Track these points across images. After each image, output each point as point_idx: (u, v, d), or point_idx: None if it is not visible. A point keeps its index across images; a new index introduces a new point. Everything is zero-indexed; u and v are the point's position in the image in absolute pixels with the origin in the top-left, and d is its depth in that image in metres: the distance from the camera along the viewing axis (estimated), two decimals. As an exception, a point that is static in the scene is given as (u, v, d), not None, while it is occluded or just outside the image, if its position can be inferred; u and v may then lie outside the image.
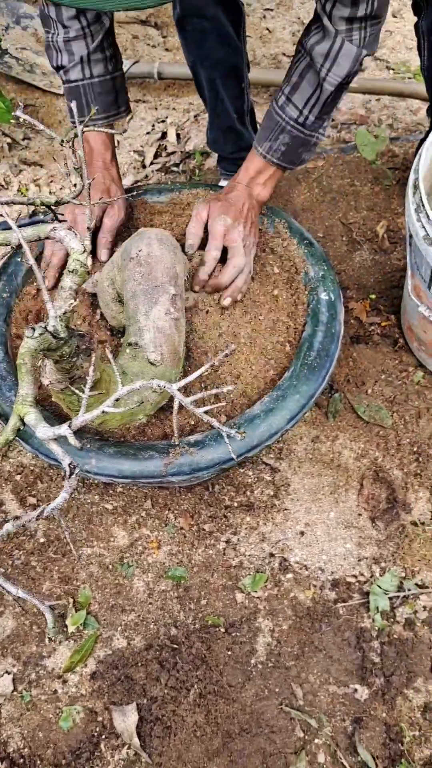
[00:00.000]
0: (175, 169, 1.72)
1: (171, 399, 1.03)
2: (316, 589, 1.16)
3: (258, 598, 1.15)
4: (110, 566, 1.19)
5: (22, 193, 1.64)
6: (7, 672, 1.11)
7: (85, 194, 0.80)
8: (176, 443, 0.92)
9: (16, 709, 1.07)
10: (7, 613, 1.16)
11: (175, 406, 0.74)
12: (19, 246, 0.79)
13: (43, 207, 0.88)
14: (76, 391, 0.92)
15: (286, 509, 1.24)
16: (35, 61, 1.93)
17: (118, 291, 1.10)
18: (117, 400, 0.70)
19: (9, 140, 1.77)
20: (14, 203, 0.86)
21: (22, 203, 0.88)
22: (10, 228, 0.78)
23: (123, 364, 1.03)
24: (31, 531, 1.22)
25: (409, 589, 1.14)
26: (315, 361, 1.14)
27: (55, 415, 1.10)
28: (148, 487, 1.24)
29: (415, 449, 1.29)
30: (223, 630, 1.12)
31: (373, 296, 1.48)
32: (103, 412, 0.69)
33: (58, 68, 1.21)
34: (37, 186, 1.64)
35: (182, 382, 0.73)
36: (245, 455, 1.09)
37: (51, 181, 1.65)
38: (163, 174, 1.72)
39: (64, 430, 0.70)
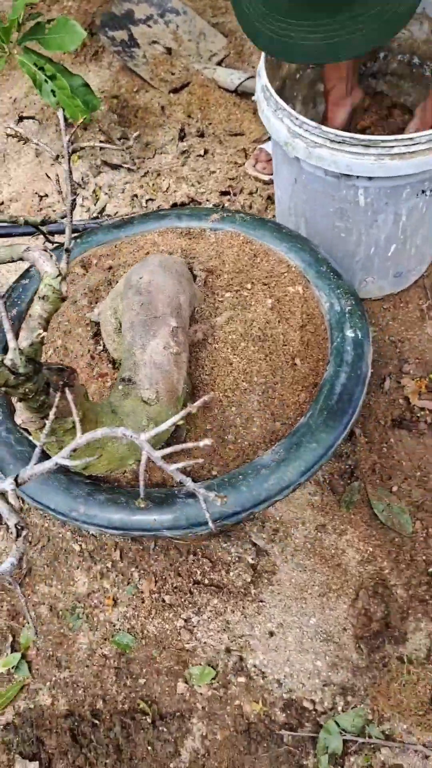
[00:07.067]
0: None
1: (169, 441, 0.94)
2: (266, 704, 1.01)
3: (200, 694, 1.02)
4: (60, 612, 1.11)
5: (96, 196, 1.59)
6: None
7: None
8: (142, 502, 0.82)
9: None
10: None
11: (143, 460, 0.62)
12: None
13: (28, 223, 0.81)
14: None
15: (261, 601, 1.09)
16: (159, 58, 1.87)
17: (120, 321, 1.01)
18: (74, 450, 0.60)
19: (103, 138, 1.72)
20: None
21: (3, 221, 0.82)
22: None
23: (113, 402, 0.93)
24: (-3, 552, 1.17)
25: (371, 736, 0.97)
26: (336, 406, 0.97)
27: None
28: (123, 538, 1.15)
29: (429, 570, 1.10)
30: (150, 720, 1.01)
31: (434, 377, 1.29)
32: (56, 464, 0.60)
33: None
34: (107, 194, 1.58)
35: (152, 432, 0.61)
36: (251, 510, 0.94)
37: (123, 190, 1.59)
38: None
39: (7, 484, 0.60)
